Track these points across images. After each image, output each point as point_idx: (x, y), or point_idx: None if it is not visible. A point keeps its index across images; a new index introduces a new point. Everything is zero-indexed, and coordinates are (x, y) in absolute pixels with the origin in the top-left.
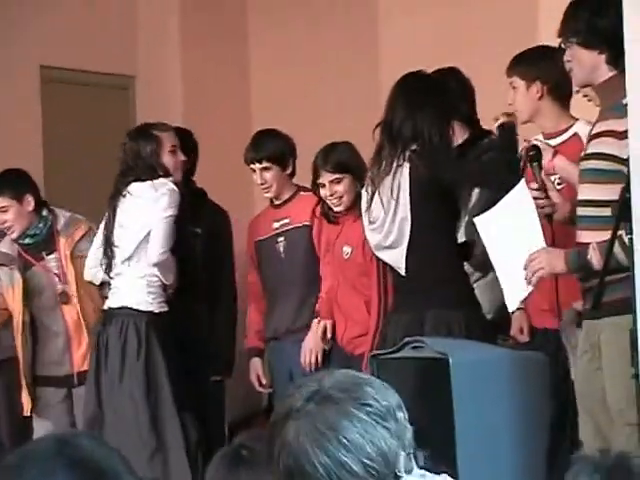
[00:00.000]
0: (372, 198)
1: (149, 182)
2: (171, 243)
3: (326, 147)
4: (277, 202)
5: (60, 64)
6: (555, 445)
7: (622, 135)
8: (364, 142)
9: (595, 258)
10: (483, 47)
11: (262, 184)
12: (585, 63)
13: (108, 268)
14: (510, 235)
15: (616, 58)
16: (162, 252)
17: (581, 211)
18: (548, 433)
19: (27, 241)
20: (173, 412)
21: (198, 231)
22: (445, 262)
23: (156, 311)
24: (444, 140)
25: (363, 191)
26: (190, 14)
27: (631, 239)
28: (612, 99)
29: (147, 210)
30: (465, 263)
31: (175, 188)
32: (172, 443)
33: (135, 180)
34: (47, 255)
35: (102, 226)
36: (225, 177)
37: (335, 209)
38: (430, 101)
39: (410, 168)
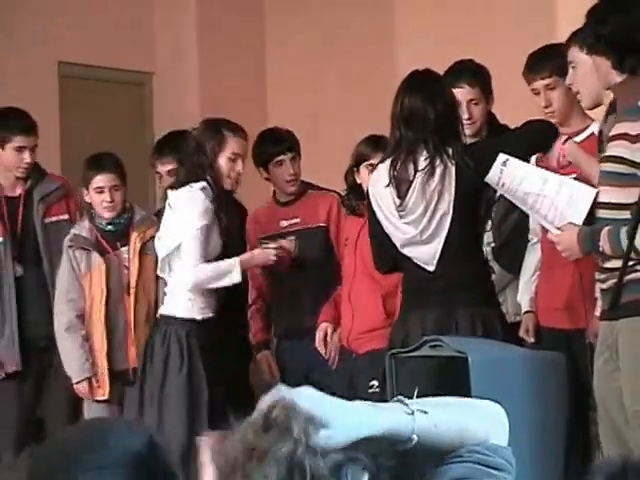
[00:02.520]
0: (406, 193)
1: (176, 191)
2: (204, 254)
3: (374, 135)
4: (285, 199)
5: (78, 60)
6: (571, 444)
7: (635, 138)
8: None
9: (606, 248)
10: (499, 43)
11: (294, 174)
12: (600, 69)
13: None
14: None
15: (620, 62)
16: (189, 272)
17: (600, 213)
18: (566, 432)
19: (108, 228)
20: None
21: None
22: (476, 261)
23: (198, 318)
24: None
25: (383, 188)
26: (207, 10)
27: None
28: (627, 102)
29: (177, 223)
30: (495, 265)
31: (199, 196)
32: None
33: (172, 186)
34: (121, 247)
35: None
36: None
37: None
38: (454, 99)
39: (457, 165)
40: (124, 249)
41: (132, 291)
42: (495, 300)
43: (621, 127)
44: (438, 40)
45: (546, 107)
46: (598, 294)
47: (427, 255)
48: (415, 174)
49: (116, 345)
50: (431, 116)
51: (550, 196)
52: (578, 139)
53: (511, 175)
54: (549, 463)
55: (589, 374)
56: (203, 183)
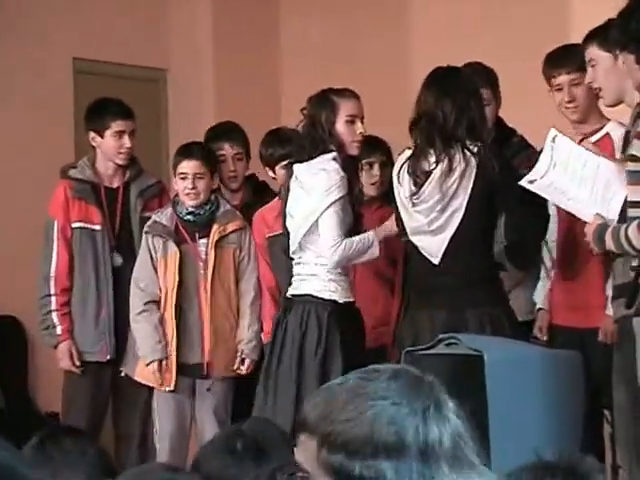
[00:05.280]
0: (423, 183)
1: (306, 164)
2: (344, 228)
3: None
4: None
5: (93, 56)
6: (584, 443)
7: None
8: (394, 130)
9: (611, 245)
10: (512, 41)
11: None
12: (627, 65)
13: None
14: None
15: None
16: (334, 247)
17: (630, 212)
18: (581, 430)
19: (188, 217)
20: None
21: None
22: (483, 259)
23: (340, 301)
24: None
25: (403, 176)
26: (222, 5)
27: None
28: None
29: (309, 199)
30: (508, 263)
31: (332, 167)
32: None
33: (297, 160)
34: (199, 238)
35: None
36: (257, 168)
37: (372, 193)
38: (475, 96)
39: (479, 165)
40: (202, 241)
41: (208, 285)
42: (503, 299)
43: None
44: (453, 41)
45: (570, 102)
46: (609, 293)
47: (434, 246)
48: (436, 165)
49: (187, 339)
50: (446, 111)
51: (590, 178)
52: (593, 139)
53: (562, 151)
54: None
55: (602, 374)
56: (333, 153)
